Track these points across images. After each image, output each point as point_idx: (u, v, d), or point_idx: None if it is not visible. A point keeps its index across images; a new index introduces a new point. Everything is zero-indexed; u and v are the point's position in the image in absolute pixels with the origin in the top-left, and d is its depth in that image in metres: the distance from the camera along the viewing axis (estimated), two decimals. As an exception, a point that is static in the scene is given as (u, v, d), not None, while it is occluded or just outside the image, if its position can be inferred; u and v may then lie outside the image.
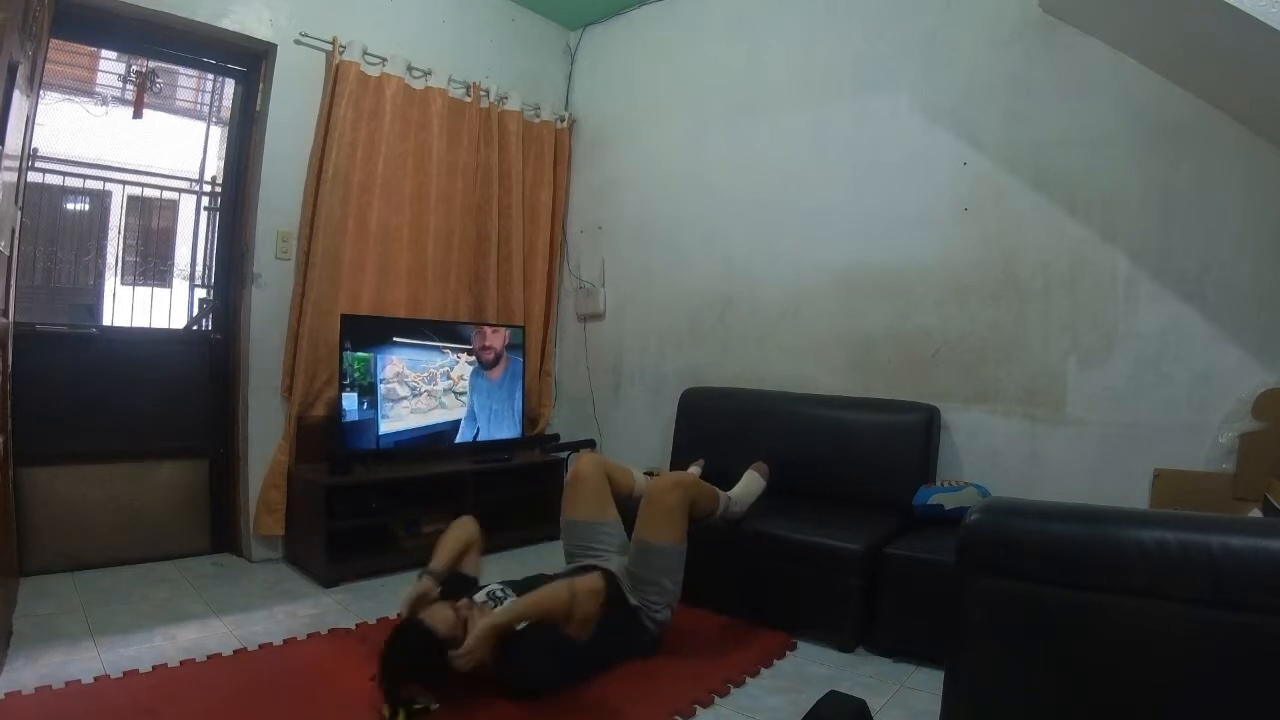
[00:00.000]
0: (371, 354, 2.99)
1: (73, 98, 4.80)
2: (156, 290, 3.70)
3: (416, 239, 3.37)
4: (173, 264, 4.22)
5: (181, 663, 1.99)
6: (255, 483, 2.95)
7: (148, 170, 4.54)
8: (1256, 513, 1.92)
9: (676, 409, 3.34)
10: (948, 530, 1.75)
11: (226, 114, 3.71)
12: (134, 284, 3.97)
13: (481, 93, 3.61)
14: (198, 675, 1.94)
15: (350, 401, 2.92)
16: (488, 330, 3.45)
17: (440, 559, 2.09)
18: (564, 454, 3.73)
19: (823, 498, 2.72)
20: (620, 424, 3.83)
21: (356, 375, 2.94)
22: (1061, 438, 2.51)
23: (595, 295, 3.90)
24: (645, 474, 2.52)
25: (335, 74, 3.03)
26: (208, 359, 3.05)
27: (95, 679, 1.86)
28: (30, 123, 2.27)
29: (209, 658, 2.03)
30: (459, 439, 3.33)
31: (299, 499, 2.91)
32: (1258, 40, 1.62)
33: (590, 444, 3.83)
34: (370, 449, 2.99)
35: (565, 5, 3.89)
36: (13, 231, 2.14)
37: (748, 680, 2.05)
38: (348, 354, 2.91)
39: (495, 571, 2.35)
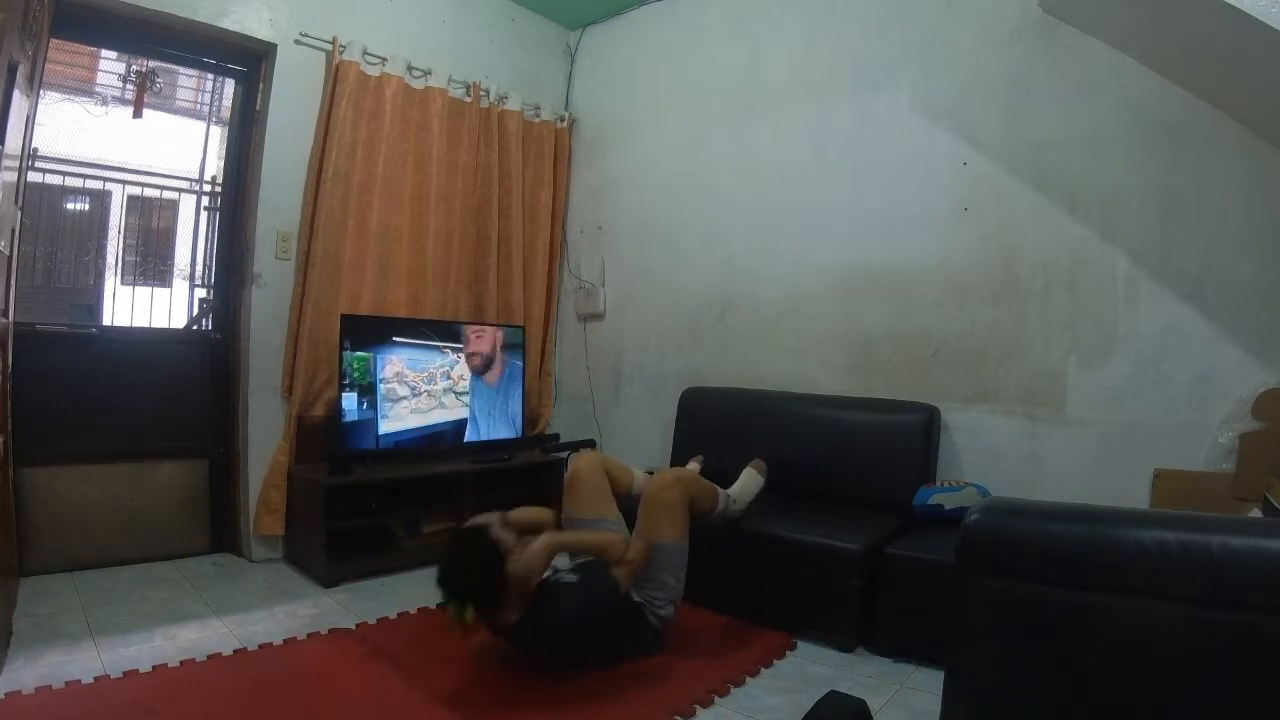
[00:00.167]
0: (371, 354, 2.99)
1: (73, 98, 4.80)
2: (156, 290, 3.71)
3: (416, 239, 3.37)
4: (173, 264, 4.22)
5: (181, 663, 1.99)
6: (255, 483, 2.95)
7: (148, 170, 4.54)
8: (1256, 513, 1.92)
9: (676, 409, 3.34)
10: (948, 530, 1.75)
11: (226, 114, 3.71)
12: (134, 284, 3.97)
13: (481, 93, 3.61)
14: (198, 675, 1.94)
15: (350, 401, 2.92)
16: (472, 337, 3.39)
17: (518, 514, 2.15)
18: (564, 454, 3.73)
19: (823, 498, 2.72)
20: (620, 424, 3.83)
21: (356, 375, 2.94)
22: (1061, 438, 2.51)
23: (595, 295, 3.90)
24: (645, 473, 2.52)
25: (335, 74, 3.03)
26: (208, 359, 3.05)
27: (95, 679, 1.86)
28: (30, 123, 2.27)
29: (209, 658, 2.03)
30: (464, 437, 3.33)
31: (299, 499, 2.91)
32: (1258, 40, 1.62)
33: (590, 444, 3.83)
34: (370, 449, 2.99)
35: (565, 5, 3.89)
36: (13, 231, 2.14)
37: (748, 680, 2.05)
38: (347, 354, 2.91)
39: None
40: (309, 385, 3.02)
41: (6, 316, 2.14)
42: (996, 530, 1.16)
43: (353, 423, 2.93)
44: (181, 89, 5.35)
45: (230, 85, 3.28)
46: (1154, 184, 2.36)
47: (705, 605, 2.45)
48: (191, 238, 3.42)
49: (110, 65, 4.89)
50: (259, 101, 3.03)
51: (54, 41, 2.58)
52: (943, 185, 2.78)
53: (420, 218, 3.37)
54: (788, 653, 2.26)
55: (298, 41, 3.00)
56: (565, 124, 4.01)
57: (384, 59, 3.20)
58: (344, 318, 2.94)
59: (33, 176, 2.79)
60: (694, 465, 2.82)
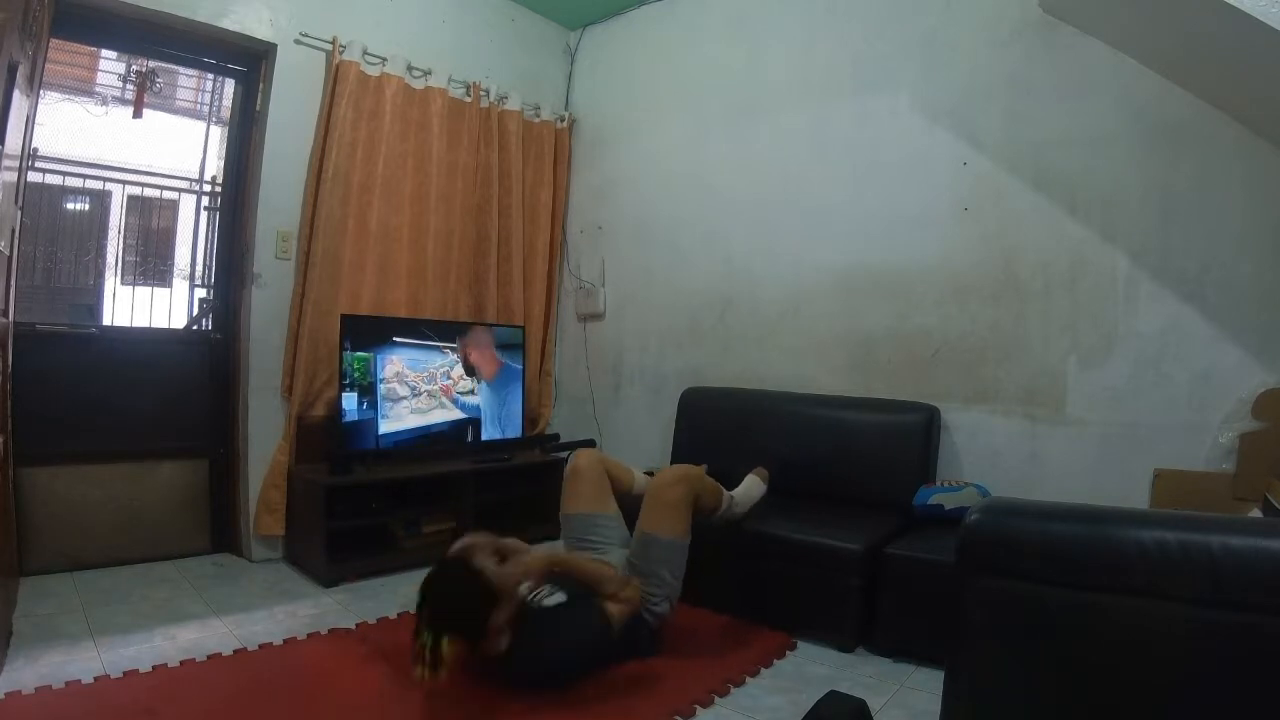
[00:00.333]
0: (371, 354, 2.99)
1: (73, 98, 4.80)
2: (156, 290, 3.71)
3: (416, 239, 3.37)
4: (173, 264, 4.23)
5: (181, 663, 1.99)
6: (255, 483, 2.95)
7: (148, 170, 4.54)
8: (1256, 513, 1.92)
9: (676, 409, 3.34)
10: (948, 530, 1.75)
11: (226, 114, 3.71)
12: (134, 284, 3.97)
13: (481, 93, 3.61)
14: (198, 675, 1.94)
15: (350, 401, 2.92)
16: (471, 350, 3.39)
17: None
18: (564, 454, 3.73)
19: (823, 498, 2.72)
20: (620, 424, 3.83)
21: (356, 375, 2.94)
22: (1061, 438, 2.51)
23: (595, 295, 3.90)
24: (645, 474, 2.52)
25: (335, 74, 3.03)
26: (208, 359, 3.05)
27: (95, 679, 1.86)
28: (30, 123, 2.27)
29: (209, 658, 2.03)
30: (458, 431, 3.33)
31: (299, 499, 2.91)
32: (1258, 40, 1.62)
33: (590, 444, 3.83)
34: (370, 449, 2.99)
35: (565, 5, 3.89)
36: (13, 231, 2.14)
37: (748, 680, 2.05)
38: (347, 354, 2.91)
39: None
40: (309, 385, 3.02)
41: (6, 316, 2.14)
42: (996, 530, 1.16)
43: (353, 423, 2.93)
44: (181, 89, 5.36)
45: (230, 85, 3.28)
46: (1154, 184, 2.36)
47: (705, 605, 2.45)
48: (191, 238, 3.42)
49: (110, 65, 4.89)
50: (259, 101, 3.03)
51: (54, 41, 2.58)
52: (943, 185, 2.78)
53: (420, 218, 3.37)
54: (788, 653, 2.25)
55: (298, 41, 3.00)
56: (565, 124, 4.01)
57: (384, 59, 3.20)
58: (344, 318, 2.94)
59: (33, 176, 2.79)
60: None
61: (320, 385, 3.05)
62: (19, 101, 1.88)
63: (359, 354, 2.95)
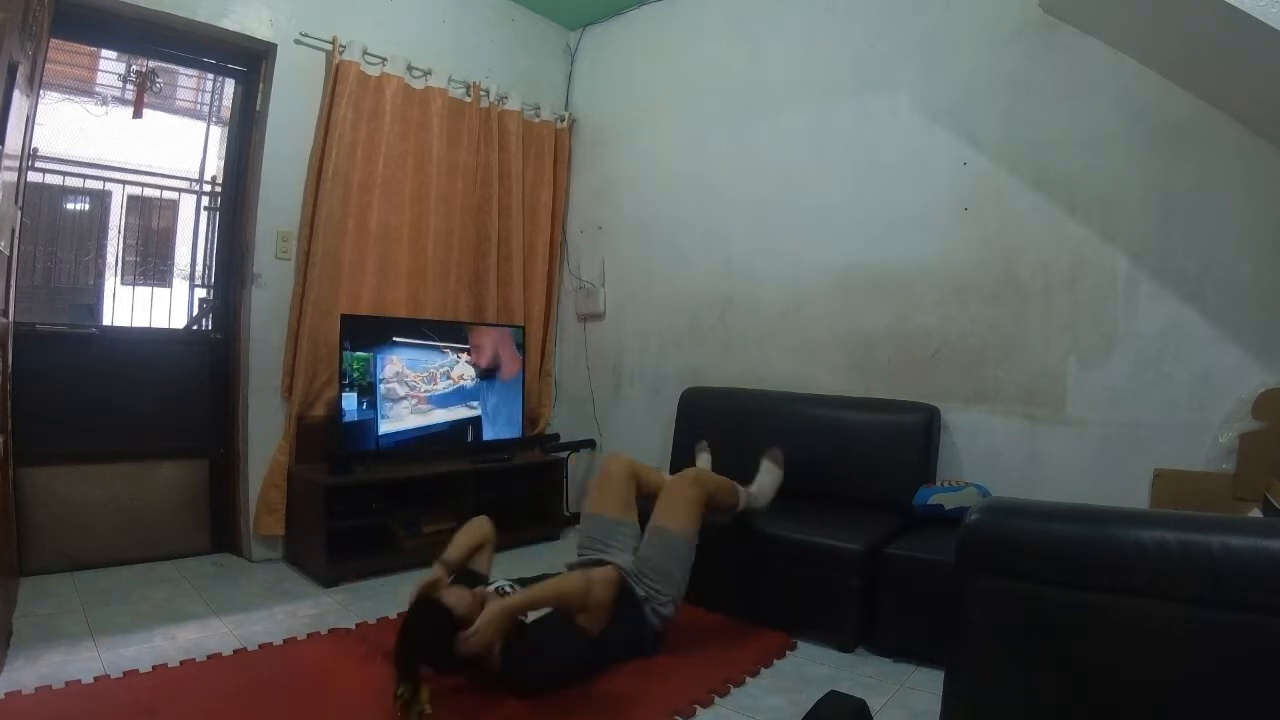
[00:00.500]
0: (371, 354, 2.99)
1: (73, 98, 4.80)
2: (156, 290, 3.71)
3: (416, 239, 3.37)
4: (173, 264, 4.23)
5: (181, 663, 1.99)
6: (255, 483, 2.95)
7: (148, 170, 4.54)
8: (1256, 513, 1.92)
9: (676, 409, 3.34)
10: (948, 530, 1.75)
11: (226, 114, 3.71)
12: (134, 284, 3.97)
13: (481, 93, 3.61)
14: (198, 675, 1.94)
15: (350, 401, 2.92)
16: (483, 349, 3.42)
17: (454, 551, 2.08)
18: (564, 454, 3.73)
19: (823, 498, 2.72)
20: (620, 424, 3.83)
21: (356, 375, 2.94)
22: (1061, 438, 2.51)
23: (595, 295, 3.90)
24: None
25: (335, 74, 3.03)
26: (208, 359, 3.05)
27: (95, 679, 1.86)
28: (30, 123, 2.27)
29: (209, 658, 2.03)
30: (458, 431, 3.33)
31: (299, 499, 2.91)
32: (1258, 40, 1.62)
33: (590, 444, 3.84)
34: (370, 449, 2.99)
35: (565, 5, 3.89)
36: (13, 231, 2.14)
37: (748, 680, 2.05)
38: (347, 354, 2.91)
39: (494, 572, 2.35)
40: (309, 385, 3.02)
41: (6, 316, 2.14)
42: (996, 530, 1.16)
43: (352, 423, 2.93)
44: (181, 89, 5.36)
45: (230, 85, 3.28)
46: (1154, 184, 2.36)
47: (705, 605, 2.45)
48: (191, 238, 3.42)
49: (110, 65, 4.89)
50: (259, 101, 3.03)
51: (54, 41, 2.58)
52: (943, 185, 2.78)
53: (420, 218, 3.37)
54: (788, 653, 2.26)
55: (298, 41, 3.00)
56: (565, 124, 4.01)
57: (384, 59, 3.20)
58: (344, 318, 2.94)
59: (33, 176, 2.79)
60: (704, 456, 2.85)
61: (320, 385, 3.05)
62: (19, 101, 1.88)
63: (359, 354, 2.95)
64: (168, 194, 4.66)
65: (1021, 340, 2.60)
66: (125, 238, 4.23)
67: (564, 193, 4.04)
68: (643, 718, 1.81)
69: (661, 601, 2.13)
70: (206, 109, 5.16)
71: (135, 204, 4.35)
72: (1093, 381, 2.46)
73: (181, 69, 4.42)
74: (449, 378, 3.29)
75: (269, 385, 3.00)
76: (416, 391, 3.16)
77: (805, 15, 3.19)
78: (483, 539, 2.18)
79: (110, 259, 4.34)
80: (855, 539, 2.29)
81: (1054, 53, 2.54)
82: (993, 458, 2.64)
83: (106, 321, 4.06)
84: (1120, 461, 2.37)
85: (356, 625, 2.34)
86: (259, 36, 2.91)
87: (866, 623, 2.27)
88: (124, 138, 4.77)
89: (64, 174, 4.09)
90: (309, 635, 2.24)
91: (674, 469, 3.06)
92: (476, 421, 3.41)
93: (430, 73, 3.38)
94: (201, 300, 3.17)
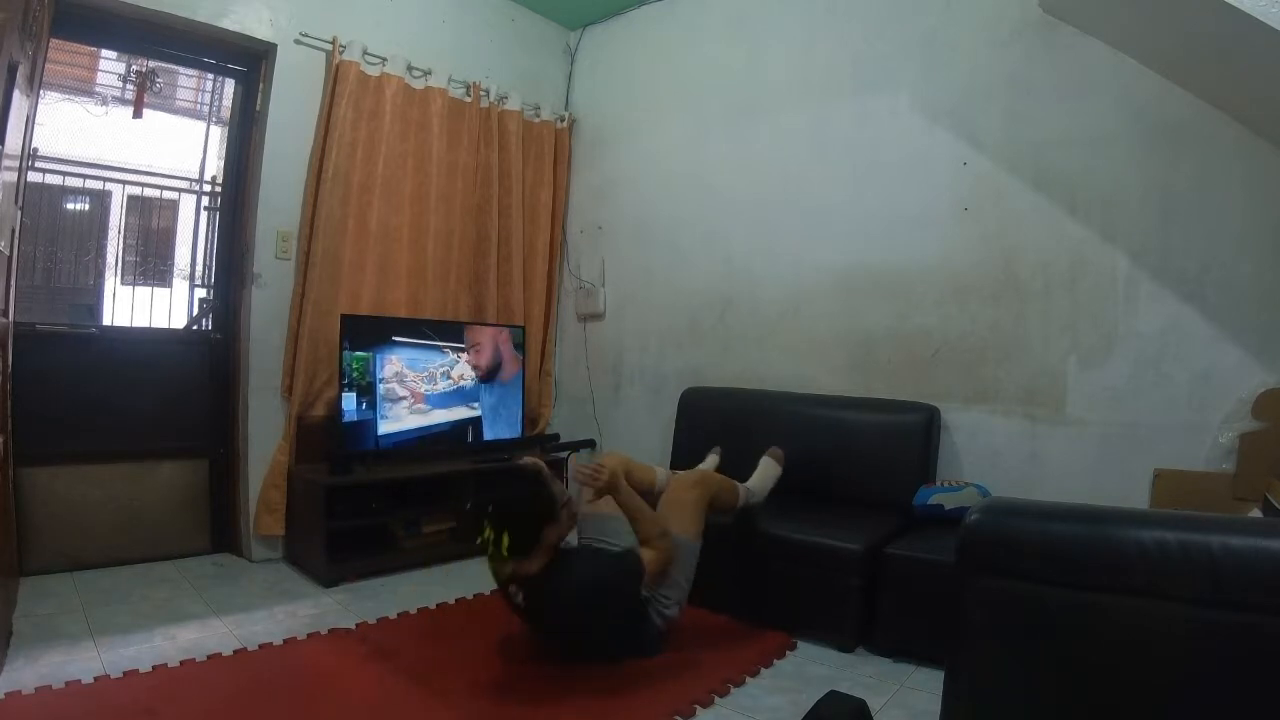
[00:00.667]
0: (371, 354, 2.98)
1: (73, 98, 4.80)
2: (156, 290, 3.71)
3: (416, 239, 3.37)
4: (173, 264, 4.22)
5: (181, 663, 1.99)
6: (255, 483, 2.95)
7: (148, 170, 4.54)
8: (1256, 513, 1.92)
9: (676, 409, 3.34)
10: (948, 530, 1.75)
11: (226, 114, 3.71)
12: (134, 284, 3.97)
13: (481, 93, 3.61)
14: (198, 675, 1.94)
15: (350, 402, 2.92)
16: (472, 351, 3.41)
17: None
18: (564, 454, 3.73)
19: (823, 498, 2.72)
20: (620, 424, 3.83)
21: (356, 375, 2.94)
22: (1061, 438, 2.51)
23: (595, 295, 3.90)
24: (670, 471, 2.55)
25: (335, 74, 3.03)
26: (208, 359, 3.05)
27: (95, 679, 1.86)
28: (30, 123, 2.27)
29: (209, 658, 2.03)
30: (458, 432, 3.33)
31: (299, 499, 2.91)
32: (1258, 40, 1.62)
33: (590, 444, 3.84)
34: (370, 449, 2.99)
35: (565, 5, 3.89)
36: (13, 231, 2.14)
37: (748, 680, 2.05)
38: (347, 354, 2.91)
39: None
40: (309, 385, 3.02)
41: (6, 316, 2.14)
42: (996, 530, 1.16)
43: (352, 423, 2.93)
44: (181, 89, 5.36)
45: (230, 85, 3.28)
46: (1154, 184, 2.36)
47: (705, 605, 2.44)
48: (191, 238, 3.42)
49: (110, 65, 4.89)
50: (259, 101, 3.03)
51: (54, 41, 2.58)
52: (943, 185, 2.78)
53: (420, 218, 3.37)
54: (788, 653, 2.25)
55: (298, 41, 3.00)
56: (565, 124, 4.01)
57: (384, 59, 3.20)
58: (344, 318, 2.94)
59: (33, 176, 2.79)
60: (713, 459, 2.85)
61: (320, 385, 3.05)
62: (19, 101, 1.88)
63: (358, 354, 2.95)
64: (168, 194, 4.65)
65: (1021, 340, 2.60)
66: (125, 238, 4.23)
67: (564, 193, 4.04)
68: (643, 718, 1.81)
69: (665, 603, 2.13)
70: (206, 109, 5.16)
71: (135, 204, 4.35)
72: (1093, 381, 2.46)
73: (181, 69, 4.42)
74: (449, 378, 3.29)
75: (269, 385, 3.00)
76: (416, 391, 3.16)
77: (805, 15, 3.19)
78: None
79: (110, 259, 4.34)
80: (855, 539, 2.29)
81: (1054, 53, 2.54)
82: (993, 458, 2.64)
83: (106, 321, 4.06)
84: (1120, 461, 2.37)
85: (356, 625, 2.34)
86: (259, 36, 2.91)
87: (866, 623, 2.27)
88: (124, 138, 4.77)
89: (64, 174, 4.09)
90: (309, 635, 2.24)
91: (674, 469, 3.06)
92: (476, 421, 3.41)
93: (430, 73, 3.38)
94: (201, 300, 3.17)
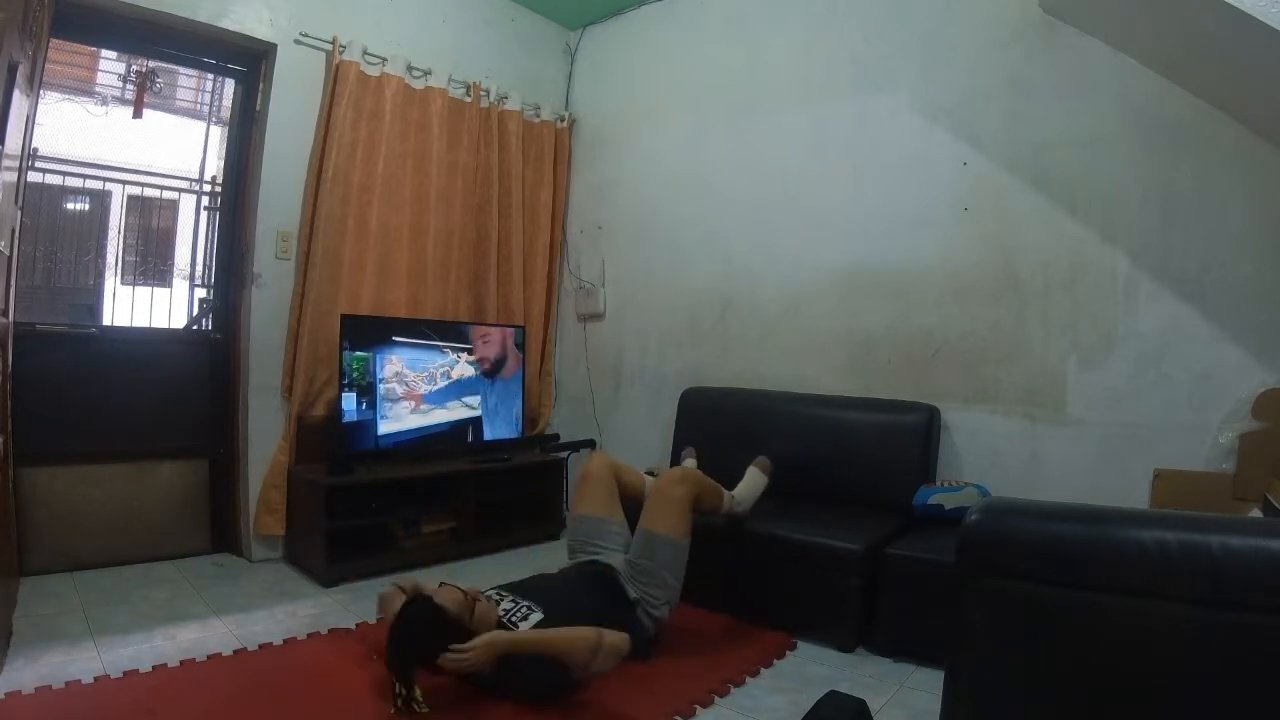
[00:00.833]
0: (371, 354, 2.98)
1: (73, 98, 4.79)
2: (156, 290, 3.70)
3: (416, 239, 3.37)
4: (173, 264, 4.22)
5: (181, 663, 1.99)
6: (255, 483, 2.95)
7: (148, 170, 4.53)
8: (1256, 513, 1.92)
9: (676, 409, 3.34)
10: (948, 530, 1.75)
11: (226, 114, 3.71)
12: (134, 284, 3.96)
13: (481, 93, 3.61)
14: (198, 675, 1.94)
15: (349, 401, 2.92)
16: (480, 342, 3.43)
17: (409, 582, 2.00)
18: (564, 454, 3.73)
19: (823, 498, 2.72)
20: (620, 424, 3.82)
21: (356, 375, 2.94)
22: (1061, 438, 2.51)
23: (595, 295, 3.90)
24: (647, 473, 2.53)
25: (335, 74, 3.03)
26: (208, 359, 3.05)
27: (95, 679, 1.86)
28: (30, 123, 2.27)
29: (209, 658, 2.03)
30: (458, 432, 3.33)
31: (299, 499, 2.91)
32: (1258, 40, 1.62)
33: (590, 444, 3.84)
34: (370, 449, 2.99)
35: (565, 5, 3.89)
36: (13, 231, 2.14)
37: (748, 680, 2.05)
38: (347, 354, 2.91)
39: (494, 572, 2.35)
40: (309, 385, 3.02)
41: (6, 316, 2.14)
42: (996, 530, 1.16)
43: (352, 423, 2.93)
44: (181, 89, 5.35)
45: (230, 85, 3.28)
46: (1154, 184, 2.36)
47: (705, 605, 2.45)
48: (191, 238, 3.41)
49: (110, 65, 4.88)
50: (259, 101, 3.03)
51: (54, 41, 2.58)
52: (943, 185, 2.78)
53: (420, 218, 3.37)
54: (788, 653, 2.26)
55: (298, 41, 3.00)
56: (565, 124, 4.01)
57: (384, 59, 3.20)
58: (344, 318, 2.94)
59: (33, 176, 2.78)
60: (690, 461, 2.83)
61: (320, 385, 3.05)
62: (19, 101, 1.88)
63: (358, 354, 2.95)
64: (168, 194, 4.65)
65: (1021, 340, 2.60)
66: (125, 238, 4.22)
67: (564, 193, 4.04)
68: (643, 718, 1.81)
69: (654, 604, 2.12)
70: (206, 109, 5.15)
71: (135, 204, 4.35)
72: (1093, 381, 2.46)
73: (181, 69, 4.41)
74: (449, 377, 3.29)
75: (269, 385, 3.00)
76: (416, 391, 3.16)
77: (805, 15, 3.19)
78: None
79: (110, 259, 4.33)
80: (855, 539, 2.29)
81: (1054, 53, 2.54)
82: (993, 458, 2.64)
83: (106, 321, 4.05)
84: (1120, 461, 2.37)
85: (356, 625, 2.34)
86: (259, 36, 2.91)
87: (866, 623, 2.27)
88: (124, 138, 4.76)
89: (64, 174, 4.08)
90: (309, 635, 2.24)
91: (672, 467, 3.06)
92: (476, 421, 3.41)
93: (430, 73, 3.38)
94: (201, 300, 3.17)
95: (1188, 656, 0.99)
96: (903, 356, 2.88)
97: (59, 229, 4.40)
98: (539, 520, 3.51)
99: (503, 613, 1.92)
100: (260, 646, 2.14)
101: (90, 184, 4.38)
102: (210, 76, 4.67)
